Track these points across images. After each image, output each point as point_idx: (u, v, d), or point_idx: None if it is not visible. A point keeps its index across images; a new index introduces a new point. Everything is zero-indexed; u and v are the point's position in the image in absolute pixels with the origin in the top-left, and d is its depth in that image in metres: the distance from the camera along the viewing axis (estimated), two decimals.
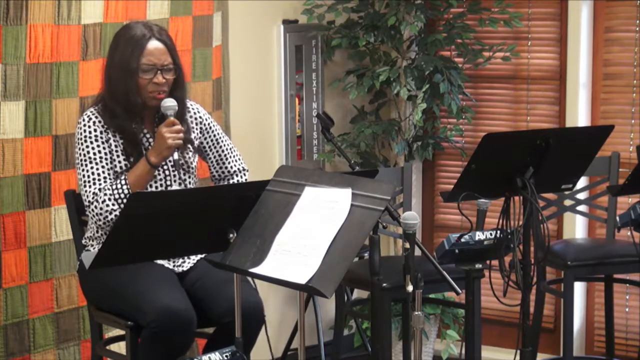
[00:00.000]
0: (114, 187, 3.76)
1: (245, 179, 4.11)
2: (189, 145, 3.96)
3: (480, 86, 5.65)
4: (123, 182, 3.76)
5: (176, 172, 3.91)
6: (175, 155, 3.77)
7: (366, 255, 4.81)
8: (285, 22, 5.33)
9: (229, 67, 5.04)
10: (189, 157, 3.96)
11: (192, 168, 3.98)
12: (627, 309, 5.33)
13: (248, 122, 5.20)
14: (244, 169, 4.14)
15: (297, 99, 5.42)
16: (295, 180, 3.13)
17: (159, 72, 3.81)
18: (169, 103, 3.80)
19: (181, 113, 3.88)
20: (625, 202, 5.05)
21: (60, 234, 4.29)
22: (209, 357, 3.19)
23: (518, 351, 3.97)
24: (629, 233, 4.64)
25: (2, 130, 4.08)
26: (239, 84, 5.12)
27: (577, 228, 5.39)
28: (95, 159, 3.78)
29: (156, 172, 3.86)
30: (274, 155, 5.37)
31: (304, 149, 5.49)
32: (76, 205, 3.98)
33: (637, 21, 5.22)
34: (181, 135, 3.78)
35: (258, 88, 5.28)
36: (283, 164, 4.69)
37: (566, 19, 5.34)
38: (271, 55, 5.32)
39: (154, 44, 3.82)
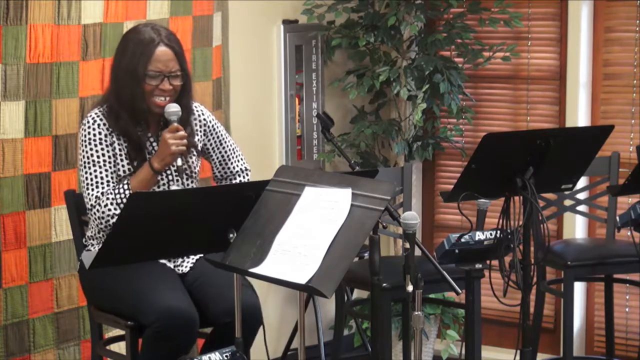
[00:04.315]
0: (116, 191, 3.75)
1: (248, 179, 4.11)
2: (193, 150, 3.95)
3: (480, 86, 5.65)
4: (125, 186, 3.76)
5: (179, 178, 3.90)
6: (179, 161, 3.77)
7: (366, 255, 4.81)
8: (285, 22, 5.33)
9: (229, 67, 5.04)
10: (192, 162, 3.96)
11: (195, 173, 3.97)
12: (627, 309, 5.33)
13: (248, 122, 5.20)
14: (246, 169, 4.14)
15: (297, 99, 5.42)
16: (295, 180, 3.13)
17: (165, 78, 3.80)
18: (173, 109, 3.79)
19: (186, 118, 3.87)
20: (625, 202, 5.05)
21: (60, 234, 4.29)
22: (209, 357, 3.19)
23: (518, 351, 3.97)
24: (629, 233, 4.64)
25: (2, 130, 4.08)
26: (239, 84, 5.12)
27: (577, 228, 5.39)
28: (98, 162, 3.78)
29: (159, 177, 3.85)
30: (274, 155, 5.37)
31: (304, 149, 5.49)
32: (76, 205, 3.98)
33: (637, 21, 5.22)
34: (185, 141, 3.77)
35: (258, 88, 5.28)
36: (283, 164, 4.69)
37: (566, 19, 5.34)
38: (271, 55, 5.32)
39: (162, 50, 3.80)
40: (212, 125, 4.05)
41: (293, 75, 5.37)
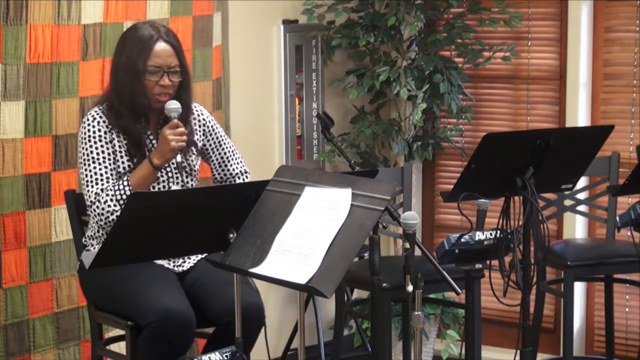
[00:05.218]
0: (116, 187, 3.76)
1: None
2: (192, 148, 3.96)
3: (480, 86, 5.65)
4: (125, 183, 3.76)
5: (179, 175, 3.91)
6: (179, 158, 3.77)
7: (366, 255, 4.81)
8: (285, 22, 5.33)
9: (229, 67, 5.04)
10: (192, 160, 3.96)
11: (195, 171, 3.98)
12: (627, 309, 5.33)
13: (248, 122, 5.20)
14: (245, 172, 4.14)
15: (297, 99, 5.42)
16: (295, 180, 3.13)
17: (165, 74, 3.81)
18: (173, 105, 3.80)
19: (185, 115, 3.87)
20: (625, 202, 5.05)
21: (60, 234, 4.29)
22: (209, 357, 3.19)
23: (518, 351, 3.97)
24: (629, 233, 4.64)
25: (2, 130, 4.09)
26: (239, 84, 5.12)
27: (577, 228, 5.39)
28: (98, 159, 3.78)
29: (159, 174, 3.86)
30: (274, 155, 5.37)
31: (304, 149, 5.49)
32: (76, 205, 3.98)
33: (637, 21, 5.22)
34: (184, 137, 3.77)
35: (258, 88, 5.28)
36: (283, 164, 4.69)
37: (566, 19, 5.34)
38: (271, 55, 5.32)
39: (161, 46, 3.81)
40: (212, 126, 4.06)
41: (293, 75, 5.37)
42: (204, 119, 4.04)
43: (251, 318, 3.62)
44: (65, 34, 4.24)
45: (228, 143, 4.11)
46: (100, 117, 3.82)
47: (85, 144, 3.80)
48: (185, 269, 3.91)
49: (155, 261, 3.81)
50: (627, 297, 5.32)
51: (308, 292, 2.97)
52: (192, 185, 3.97)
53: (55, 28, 4.20)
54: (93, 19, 4.33)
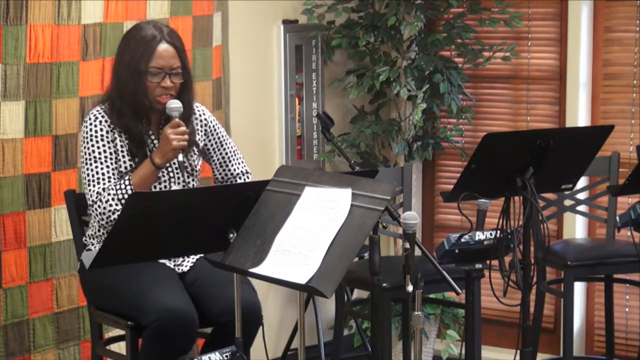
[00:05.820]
0: (117, 187, 3.76)
1: None
2: (194, 148, 3.96)
3: (480, 86, 5.65)
4: (127, 182, 3.76)
5: (180, 174, 3.91)
6: (180, 157, 3.77)
7: (366, 255, 4.81)
8: (285, 22, 5.33)
9: (229, 67, 5.04)
10: (194, 160, 3.96)
11: (196, 171, 3.98)
12: (627, 309, 5.33)
13: (248, 122, 5.20)
14: (247, 172, 4.14)
15: (297, 99, 5.42)
16: (295, 180, 3.13)
17: (167, 75, 3.80)
18: (175, 105, 3.79)
19: (187, 115, 3.88)
20: (625, 202, 5.06)
21: (60, 234, 4.29)
22: (209, 357, 3.19)
23: (518, 351, 3.97)
24: (629, 233, 4.64)
25: (2, 130, 4.09)
26: (239, 84, 5.12)
27: (577, 228, 5.39)
28: (100, 158, 3.78)
29: (160, 174, 3.86)
30: (274, 155, 5.37)
31: (304, 149, 5.49)
32: (76, 205, 3.98)
33: (637, 21, 5.22)
34: (186, 137, 3.77)
35: (258, 88, 5.28)
36: (283, 164, 4.69)
37: (566, 19, 5.34)
38: (271, 55, 5.32)
39: (163, 47, 3.81)
40: (213, 126, 4.06)
41: (293, 75, 5.37)
42: (205, 119, 4.04)
43: (249, 317, 3.62)
44: (65, 34, 4.24)
45: (229, 143, 4.11)
46: (102, 116, 3.82)
47: (87, 143, 3.80)
48: (185, 269, 3.90)
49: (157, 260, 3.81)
50: (627, 297, 5.32)
51: (308, 292, 2.97)
52: (193, 185, 3.96)
53: (55, 28, 4.20)
54: (93, 19, 4.33)
